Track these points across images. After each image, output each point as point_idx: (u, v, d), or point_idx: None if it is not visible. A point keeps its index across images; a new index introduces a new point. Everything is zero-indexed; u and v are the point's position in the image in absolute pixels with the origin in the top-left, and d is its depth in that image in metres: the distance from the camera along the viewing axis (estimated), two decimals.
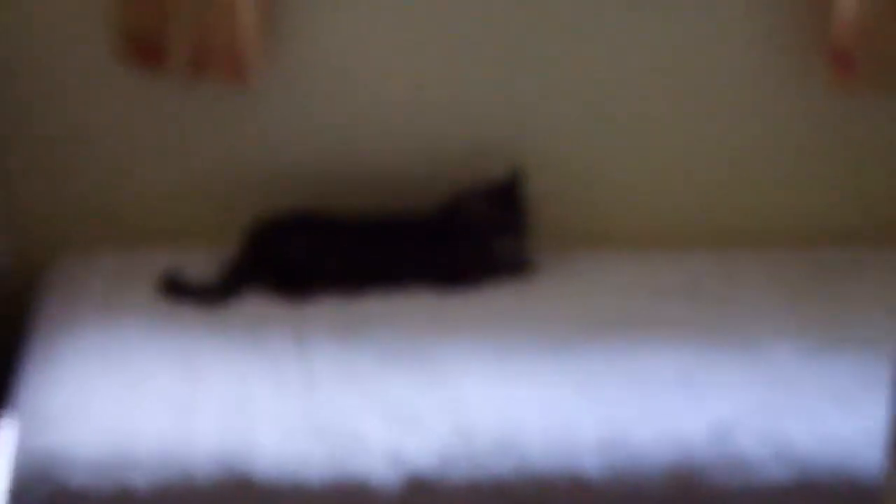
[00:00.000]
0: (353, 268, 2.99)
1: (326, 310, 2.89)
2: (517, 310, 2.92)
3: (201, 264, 3.00)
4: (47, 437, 2.43)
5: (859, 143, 3.26)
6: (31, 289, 3.04)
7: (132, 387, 2.59)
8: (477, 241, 3.04)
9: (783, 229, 3.28)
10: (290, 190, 3.15)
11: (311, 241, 3.01)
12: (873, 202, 3.29)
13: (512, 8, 3.12)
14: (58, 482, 2.35)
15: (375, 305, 2.91)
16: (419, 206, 3.11)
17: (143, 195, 3.17)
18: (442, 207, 3.08)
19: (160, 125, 3.13)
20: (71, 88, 3.08)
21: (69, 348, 2.69)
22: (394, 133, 3.18)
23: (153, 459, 2.39)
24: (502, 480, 2.39)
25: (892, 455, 1.46)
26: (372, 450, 2.42)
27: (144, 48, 2.96)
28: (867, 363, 2.72)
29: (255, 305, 2.90)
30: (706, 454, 2.43)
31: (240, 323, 2.84)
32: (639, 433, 2.46)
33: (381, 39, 3.12)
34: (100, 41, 3.03)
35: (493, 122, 3.19)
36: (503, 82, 3.16)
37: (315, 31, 3.08)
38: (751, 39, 3.18)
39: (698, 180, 3.27)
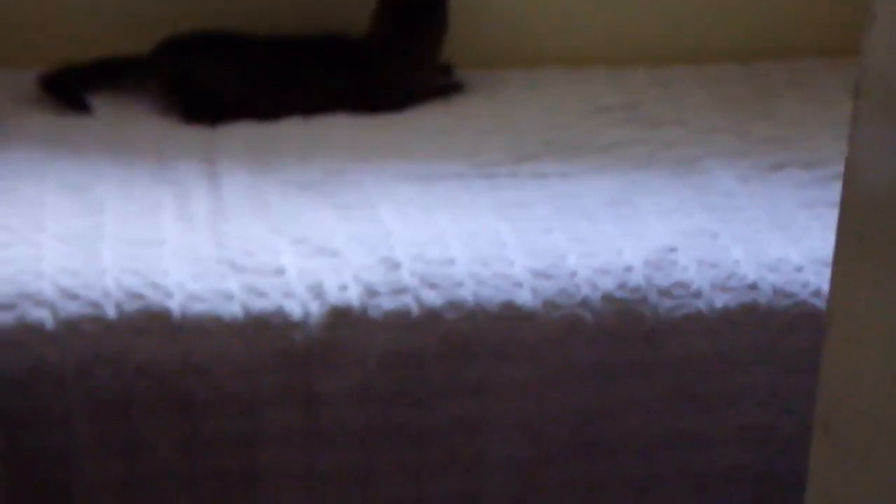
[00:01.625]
0: (266, 91, 2.87)
1: (237, 135, 2.77)
2: (441, 133, 2.82)
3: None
4: None
5: None
6: None
7: (28, 219, 2.43)
8: (384, 63, 2.91)
9: (723, 42, 3.21)
10: (193, 9, 2.98)
11: (221, 63, 2.88)
12: (819, 10, 3.22)
13: None
14: None
15: (291, 131, 2.79)
16: (332, 27, 2.96)
17: (35, 14, 2.99)
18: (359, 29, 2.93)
19: None
20: None
21: None
22: None
23: (58, 293, 2.23)
24: (430, 313, 2.27)
25: (836, 273, 1.43)
26: (290, 282, 2.29)
27: None
28: (812, 185, 2.67)
29: (160, 130, 2.76)
30: (645, 281, 2.32)
31: (144, 149, 2.70)
32: (574, 261, 2.35)
33: None
34: None
35: None
36: None
37: None
38: None
39: None
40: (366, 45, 2.94)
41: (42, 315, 2.20)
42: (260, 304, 2.25)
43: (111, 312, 2.21)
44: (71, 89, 2.84)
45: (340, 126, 2.81)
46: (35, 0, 2.99)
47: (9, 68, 2.94)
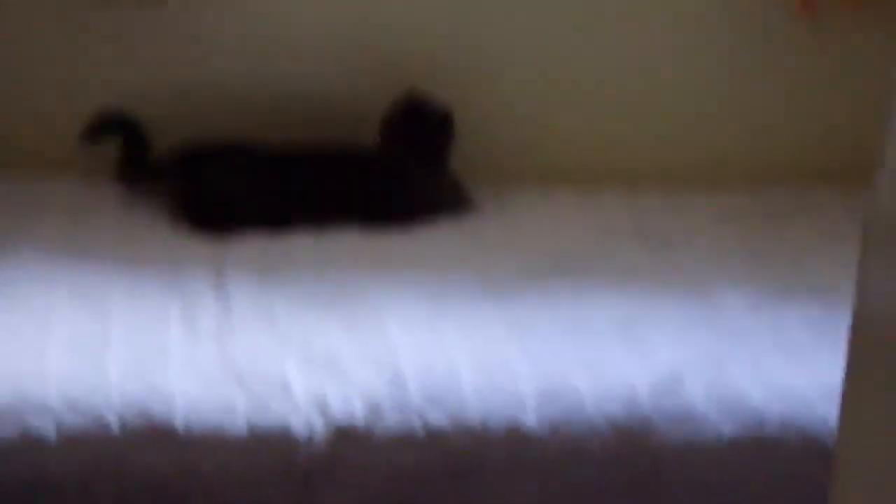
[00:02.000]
0: (275, 203, 2.86)
1: (247, 247, 2.76)
2: (450, 249, 2.82)
3: (112, 198, 2.86)
4: None
5: (816, 75, 3.21)
6: None
7: (36, 325, 2.43)
8: (396, 175, 2.92)
9: (734, 166, 3.23)
10: (206, 118, 3.02)
11: (231, 174, 2.88)
12: (829, 138, 3.23)
13: None
14: None
15: (299, 243, 2.79)
16: (347, 137, 2.98)
17: (48, 121, 3.03)
18: (372, 140, 2.94)
19: (67, 47, 3.00)
20: None
21: None
22: (318, 56, 3.05)
23: (62, 404, 2.23)
24: (435, 432, 2.25)
25: (844, 408, 1.42)
26: (295, 398, 2.28)
27: None
28: (820, 312, 2.65)
29: (170, 240, 2.77)
30: (652, 407, 2.31)
31: (154, 258, 2.70)
32: (580, 384, 2.34)
33: None
34: None
35: (427, 46, 3.07)
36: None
37: None
38: None
39: (646, 113, 3.20)
40: (375, 157, 2.96)
41: (45, 426, 2.19)
42: (264, 420, 2.24)
43: (114, 424, 2.20)
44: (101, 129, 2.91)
45: (350, 240, 2.81)
46: (45, 104, 3.02)
47: (20, 174, 2.96)
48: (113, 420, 2.21)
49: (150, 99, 3.02)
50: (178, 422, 2.22)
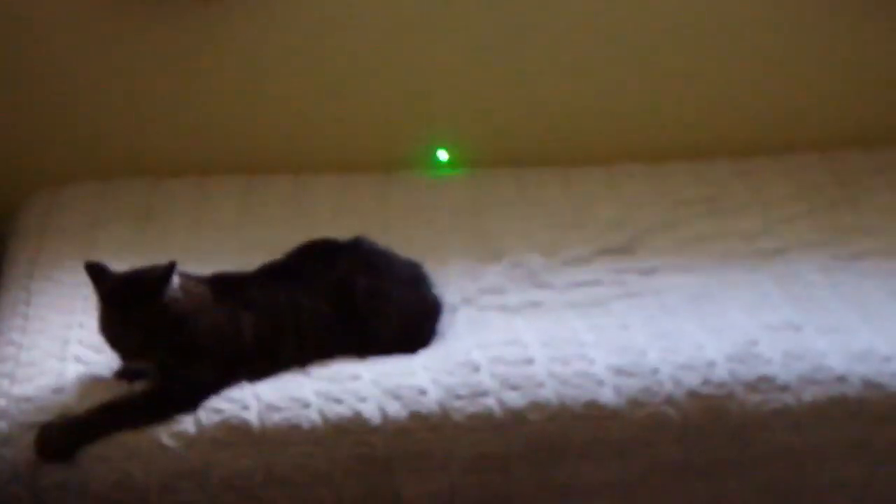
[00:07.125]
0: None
1: None
2: (521, 230, 2.80)
3: (179, 195, 2.89)
4: (27, 386, 2.26)
5: (882, 35, 3.17)
6: (6, 227, 2.92)
7: None
8: None
9: (804, 134, 3.19)
10: (269, 115, 3.05)
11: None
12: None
13: None
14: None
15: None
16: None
17: (116, 124, 3.07)
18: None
19: (134, 50, 3.04)
20: (39, 20, 2.99)
21: (47, 291, 2.57)
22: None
23: None
24: (513, 414, 2.23)
25: None
26: (366, 387, 2.25)
27: None
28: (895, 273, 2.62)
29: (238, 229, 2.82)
30: (730, 377, 2.28)
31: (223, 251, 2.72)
32: (656, 358, 2.32)
33: None
34: None
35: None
36: None
37: None
38: None
39: (713, 86, 3.17)
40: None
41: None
42: (337, 410, 2.23)
43: (191, 427, 2.20)
44: None
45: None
46: (104, 111, 3.06)
47: (89, 182, 2.99)
48: (189, 423, 2.20)
49: (215, 97, 3.07)
50: (254, 420, 2.20)
